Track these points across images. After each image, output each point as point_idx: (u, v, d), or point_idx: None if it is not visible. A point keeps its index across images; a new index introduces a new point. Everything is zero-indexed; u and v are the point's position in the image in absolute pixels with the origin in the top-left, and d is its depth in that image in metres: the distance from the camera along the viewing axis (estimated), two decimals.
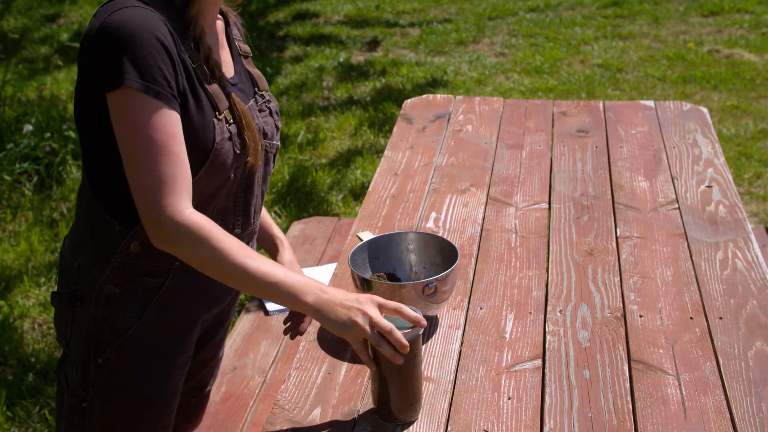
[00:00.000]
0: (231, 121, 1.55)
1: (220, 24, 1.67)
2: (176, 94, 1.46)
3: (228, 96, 1.56)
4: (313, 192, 4.49)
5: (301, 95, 5.90)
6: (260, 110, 1.68)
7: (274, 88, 6.01)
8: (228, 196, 1.62)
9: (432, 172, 2.50)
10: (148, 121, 1.43)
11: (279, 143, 1.74)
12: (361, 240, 2.08)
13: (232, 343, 2.72)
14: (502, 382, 1.65)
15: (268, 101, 1.72)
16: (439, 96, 3.06)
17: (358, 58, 6.66)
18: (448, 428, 1.53)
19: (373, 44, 7.01)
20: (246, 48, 1.75)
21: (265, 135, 1.67)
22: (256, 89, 1.70)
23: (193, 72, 1.51)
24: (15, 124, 4.80)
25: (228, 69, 1.64)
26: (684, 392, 1.60)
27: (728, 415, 1.54)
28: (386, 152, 2.64)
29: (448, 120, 2.86)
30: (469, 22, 7.49)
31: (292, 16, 7.88)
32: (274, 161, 1.74)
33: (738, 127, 5.14)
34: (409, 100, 3.05)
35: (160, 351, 1.67)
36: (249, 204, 1.68)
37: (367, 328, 1.45)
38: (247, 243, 1.73)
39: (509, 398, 1.60)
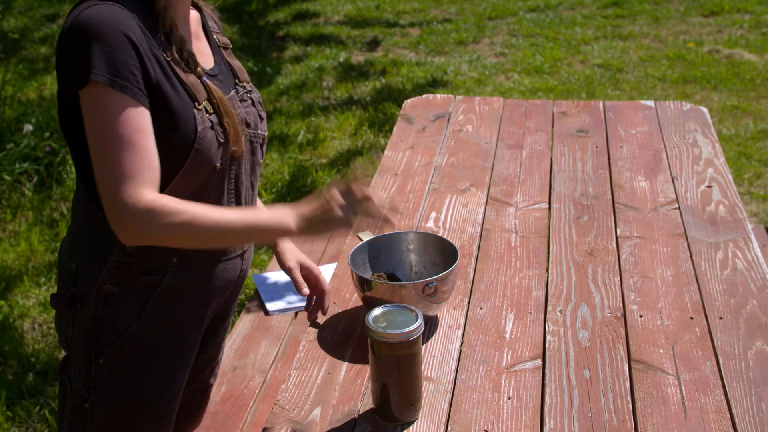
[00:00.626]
0: (211, 110, 1.56)
1: (195, 16, 1.68)
2: (144, 87, 1.47)
3: (204, 85, 1.57)
4: (313, 192, 4.49)
5: (301, 95, 5.90)
6: (242, 100, 1.69)
7: (274, 87, 6.01)
8: (218, 187, 1.63)
9: (432, 172, 2.50)
10: (114, 116, 1.44)
11: (265, 133, 1.75)
12: (361, 240, 2.08)
13: (232, 343, 2.72)
14: (502, 381, 1.65)
15: (250, 92, 1.73)
16: (439, 96, 3.06)
17: (358, 58, 6.66)
18: (448, 428, 1.53)
19: (373, 44, 7.01)
20: (225, 40, 1.76)
21: (248, 125, 1.68)
22: (237, 80, 1.71)
23: (168, 64, 1.51)
24: (15, 124, 4.80)
25: (207, 60, 1.65)
26: (684, 392, 1.60)
27: (728, 415, 1.54)
28: (386, 152, 2.64)
29: (448, 120, 2.86)
30: (469, 22, 7.49)
31: (292, 16, 7.88)
32: (262, 151, 1.75)
33: (738, 127, 5.14)
34: (409, 100, 3.05)
35: (160, 350, 1.67)
36: (240, 195, 1.68)
37: (349, 216, 1.54)
38: None
39: (509, 398, 1.60)
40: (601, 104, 2.94)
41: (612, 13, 7.55)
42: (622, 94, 5.70)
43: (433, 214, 2.27)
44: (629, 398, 1.59)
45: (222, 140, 1.57)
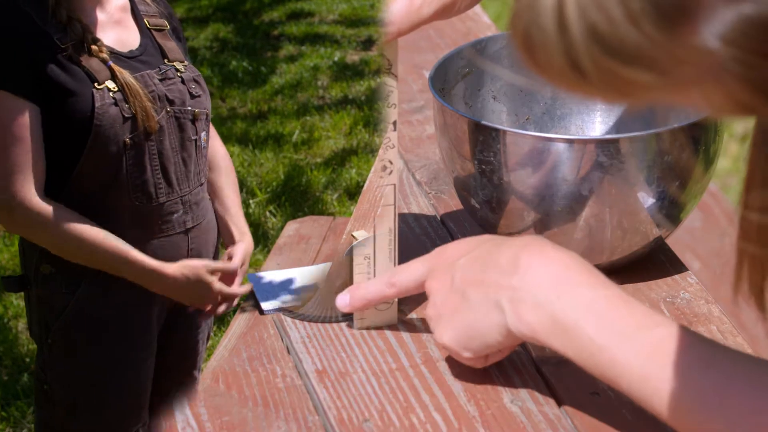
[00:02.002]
0: (116, 89, 1.62)
1: (123, 5, 1.75)
2: (29, 83, 1.55)
3: (109, 68, 1.65)
4: (308, 191, 4.49)
5: (296, 94, 5.90)
6: (164, 78, 1.73)
7: (269, 87, 6.01)
8: (138, 163, 1.65)
9: None
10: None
11: (198, 110, 1.77)
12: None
13: (227, 342, 2.72)
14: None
15: (179, 71, 1.77)
16: None
17: (353, 57, 6.66)
18: None
19: (369, 43, 7.01)
20: (159, 22, 1.82)
21: (171, 102, 1.72)
22: (166, 60, 1.77)
23: (62, 51, 1.60)
24: None
25: (131, 42, 1.73)
26: None
27: None
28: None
29: None
30: None
31: (286, 15, 7.87)
32: (196, 128, 1.77)
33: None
34: None
35: (103, 329, 1.71)
36: (167, 171, 1.70)
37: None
38: (184, 212, 1.76)
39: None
40: None
41: None
42: None
43: None
44: None
45: (128, 115, 1.62)
